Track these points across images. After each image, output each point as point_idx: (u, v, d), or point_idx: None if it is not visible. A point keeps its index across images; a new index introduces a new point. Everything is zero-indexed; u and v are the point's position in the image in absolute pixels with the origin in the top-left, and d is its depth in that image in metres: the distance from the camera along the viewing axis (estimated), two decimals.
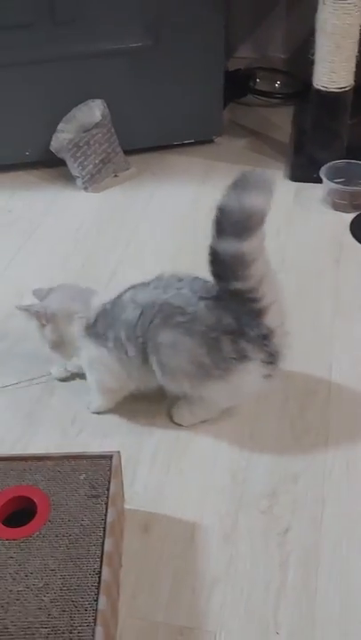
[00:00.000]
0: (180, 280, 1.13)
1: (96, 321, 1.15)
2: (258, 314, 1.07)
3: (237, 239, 1.01)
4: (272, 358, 1.11)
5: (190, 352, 1.08)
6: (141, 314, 1.09)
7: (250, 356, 1.08)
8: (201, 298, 1.09)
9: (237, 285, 1.05)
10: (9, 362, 1.35)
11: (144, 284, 1.14)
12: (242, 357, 1.08)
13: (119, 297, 1.14)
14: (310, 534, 1.03)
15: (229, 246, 1.02)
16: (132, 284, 1.16)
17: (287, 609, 0.94)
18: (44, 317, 1.18)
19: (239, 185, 1.02)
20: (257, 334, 1.08)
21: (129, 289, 1.15)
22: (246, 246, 1.02)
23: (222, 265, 1.05)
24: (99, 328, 1.14)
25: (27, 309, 1.19)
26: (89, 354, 1.17)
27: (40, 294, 1.22)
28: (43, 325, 1.18)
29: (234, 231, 1.02)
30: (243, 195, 1.01)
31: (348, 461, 1.14)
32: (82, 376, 1.25)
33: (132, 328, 1.10)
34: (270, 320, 1.08)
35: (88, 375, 1.21)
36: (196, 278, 1.12)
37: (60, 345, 1.20)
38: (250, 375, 1.10)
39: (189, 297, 1.09)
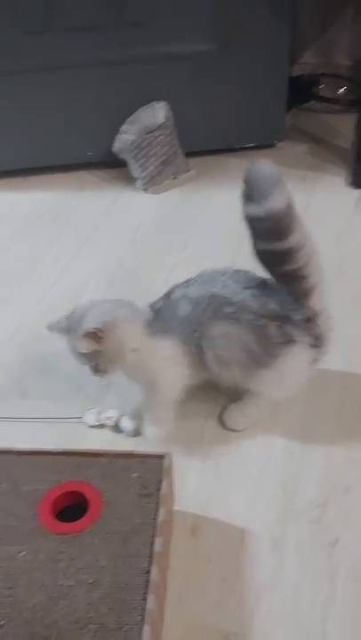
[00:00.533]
0: (224, 274, 1.14)
1: (155, 319, 1.14)
2: (305, 293, 1.09)
3: (279, 241, 1.03)
4: (318, 342, 1.12)
5: (241, 341, 1.10)
6: (193, 309, 1.11)
7: (296, 339, 1.10)
8: (245, 287, 1.11)
9: (287, 268, 1.06)
10: (64, 357, 1.37)
11: (188, 282, 1.16)
12: (288, 341, 1.10)
13: (168, 297, 1.15)
14: (360, 547, 1.02)
15: (273, 246, 1.04)
16: (175, 284, 1.17)
17: (336, 621, 0.93)
18: (102, 331, 1.08)
19: (253, 193, 1.02)
20: (301, 318, 1.10)
21: (174, 288, 1.16)
22: (290, 242, 1.03)
23: (270, 258, 1.07)
24: (160, 325, 1.13)
25: (87, 330, 1.07)
26: (161, 353, 1.13)
27: (60, 326, 1.14)
28: (98, 341, 1.08)
29: (273, 237, 1.03)
30: (262, 202, 1.01)
31: None
32: (110, 428, 1.22)
33: (188, 324, 1.11)
34: (315, 302, 1.10)
35: (157, 378, 1.16)
36: (238, 270, 1.14)
37: (110, 361, 1.12)
38: (297, 360, 1.12)
39: (234, 287, 1.11)
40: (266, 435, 1.19)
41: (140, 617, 0.82)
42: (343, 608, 0.95)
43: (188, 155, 1.95)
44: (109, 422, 1.21)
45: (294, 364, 1.12)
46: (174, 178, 1.92)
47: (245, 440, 1.19)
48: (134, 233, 1.75)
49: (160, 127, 1.84)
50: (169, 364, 1.15)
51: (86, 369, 1.15)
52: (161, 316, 1.14)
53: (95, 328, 1.07)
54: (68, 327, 1.13)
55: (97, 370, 1.13)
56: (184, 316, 1.12)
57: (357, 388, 1.27)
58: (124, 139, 1.85)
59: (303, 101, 2.26)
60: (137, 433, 1.21)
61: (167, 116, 1.85)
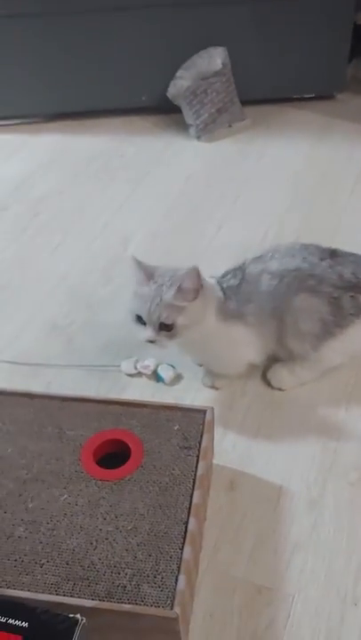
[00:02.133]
0: (296, 247, 1.15)
1: (228, 299, 1.11)
2: None
3: None
4: None
5: (319, 312, 1.11)
6: (279, 282, 1.11)
7: None
8: (321, 259, 1.12)
9: None
10: (108, 305, 1.37)
11: (262, 257, 1.15)
12: (359, 312, 1.12)
13: (242, 272, 1.13)
14: None
15: None
16: (246, 259, 1.16)
17: None
18: (202, 285, 1.05)
19: None
20: None
21: (247, 264, 1.14)
22: None
23: None
24: (232, 306, 1.10)
25: (195, 270, 1.03)
26: (230, 336, 1.11)
27: (144, 266, 1.09)
28: (191, 300, 1.04)
29: None
30: None
31: None
32: (149, 377, 1.23)
33: (274, 298, 1.11)
34: None
35: (220, 358, 1.17)
36: (308, 245, 1.15)
37: (186, 327, 1.06)
38: None
39: (312, 260, 1.12)
40: (309, 396, 1.19)
41: (176, 566, 0.84)
42: None
43: (245, 103, 1.89)
44: (146, 371, 1.22)
45: (358, 335, 1.13)
46: (229, 126, 1.88)
47: (288, 400, 1.18)
48: (185, 182, 1.73)
49: (216, 74, 1.79)
50: (237, 348, 1.14)
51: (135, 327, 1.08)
52: (237, 294, 1.11)
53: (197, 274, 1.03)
54: (149, 275, 1.06)
55: (168, 334, 1.06)
56: (270, 291, 1.11)
57: None
58: (179, 84, 1.81)
59: None
60: (176, 381, 1.21)
61: (224, 62, 1.79)
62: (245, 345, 1.14)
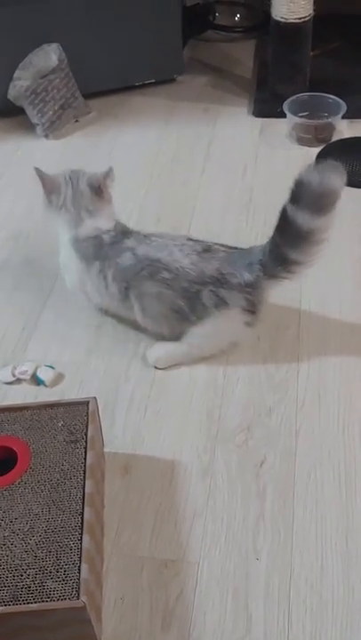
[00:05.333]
0: (175, 241, 1.20)
1: (85, 243, 1.21)
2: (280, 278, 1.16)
3: (315, 214, 1.05)
4: (253, 307, 1.17)
5: (171, 302, 1.16)
6: (134, 264, 1.17)
7: (229, 302, 1.15)
8: (188, 254, 1.16)
9: (298, 258, 1.11)
10: None
11: (148, 236, 1.21)
12: (219, 304, 1.15)
13: (120, 238, 1.21)
14: (285, 465, 1.07)
15: (305, 220, 1.06)
16: (136, 230, 1.24)
17: (266, 536, 0.98)
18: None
19: (318, 167, 1.07)
20: (239, 281, 1.14)
21: (131, 236, 1.21)
22: (321, 222, 1.06)
23: (292, 234, 1.09)
24: (87, 251, 1.21)
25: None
26: (70, 264, 1.24)
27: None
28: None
29: (312, 206, 1.05)
30: (323, 174, 1.04)
31: (320, 394, 1.17)
32: (29, 382, 1.22)
33: (121, 272, 1.18)
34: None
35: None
36: (190, 239, 1.21)
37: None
38: (230, 322, 1.18)
39: (178, 255, 1.17)
40: (189, 370, 1.22)
41: (77, 556, 0.85)
42: (272, 523, 1.00)
43: (88, 96, 1.90)
44: (25, 376, 1.21)
45: (226, 325, 1.18)
46: (76, 121, 1.88)
47: (169, 376, 1.21)
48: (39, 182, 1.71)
49: (54, 70, 1.78)
50: (68, 272, 1.26)
51: None
52: (100, 250, 1.20)
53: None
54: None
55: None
56: (121, 265, 1.18)
57: (272, 318, 1.29)
58: (19, 85, 1.79)
59: (200, 31, 2.22)
60: (57, 381, 1.22)
61: (60, 57, 1.79)
62: (82, 280, 1.24)
